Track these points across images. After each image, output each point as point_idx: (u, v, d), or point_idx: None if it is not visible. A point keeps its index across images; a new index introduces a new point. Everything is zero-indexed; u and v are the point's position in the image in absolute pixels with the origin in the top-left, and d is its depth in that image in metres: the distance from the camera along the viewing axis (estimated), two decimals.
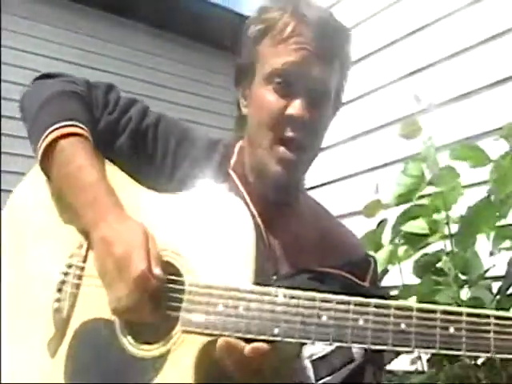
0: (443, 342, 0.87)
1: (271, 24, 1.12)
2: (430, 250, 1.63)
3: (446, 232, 1.54)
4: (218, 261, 1.00)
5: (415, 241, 1.59)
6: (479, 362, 1.46)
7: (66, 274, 1.09)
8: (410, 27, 2.57)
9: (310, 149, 1.14)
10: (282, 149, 1.09)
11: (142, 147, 1.17)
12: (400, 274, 1.68)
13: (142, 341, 1.00)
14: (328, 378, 1.05)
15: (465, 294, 1.54)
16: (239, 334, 0.93)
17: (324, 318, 0.91)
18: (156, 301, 0.98)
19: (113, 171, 1.13)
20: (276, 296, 0.94)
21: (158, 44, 4.88)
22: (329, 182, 2.86)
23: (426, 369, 1.61)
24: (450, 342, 0.87)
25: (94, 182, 1.07)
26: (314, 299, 0.93)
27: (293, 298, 0.94)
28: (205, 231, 1.03)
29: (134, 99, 1.23)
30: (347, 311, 0.91)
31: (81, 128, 1.11)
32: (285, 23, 1.10)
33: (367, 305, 0.91)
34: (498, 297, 1.49)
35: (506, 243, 1.47)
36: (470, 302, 1.49)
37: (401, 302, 0.93)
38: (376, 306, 0.90)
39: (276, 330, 0.92)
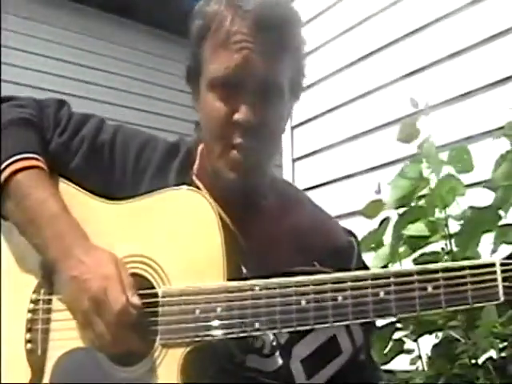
0: (423, 304, 0.87)
1: (209, 21, 1.04)
2: (429, 249, 1.63)
3: (446, 232, 1.53)
4: (188, 263, 0.97)
5: (416, 242, 1.58)
6: (479, 361, 1.46)
7: (33, 311, 1.05)
8: (409, 27, 2.57)
9: (264, 150, 1.08)
10: (233, 154, 1.04)
11: (98, 166, 1.11)
12: None
13: (124, 362, 0.97)
14: (317, 375, 1.04)
15: None
16: (221, 337, 0.92)
17: (303, 303, 0.91)
18: (139, 329, 0.95)
19: (66, 187, 1.09)
20: (252, 290, 0.93)
21: (158, 44, 4.88)
22: (329, 182, 2.85)
23: (426, 369, 1.60)
24: (430, 301, 0.87)
25: (56, 214, 1.02)
26: (289, 285, 0.92)
27: (269, 288, 0.93)
28: (169, 234, 1.00)
29: (87, 115, 1.17)
30: (325, 291, 0.90)
31: (35, 159, 1.06)
32: (221, 21, 1.03)
33: (344, 281, 0.90)
34: None
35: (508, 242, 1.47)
36: None
37: (377, 270, 0.94)
38: (353, 280, 0.90)
39: (257, 324, 0.91)
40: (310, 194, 1.32)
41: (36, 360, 1.03)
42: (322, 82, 2.87)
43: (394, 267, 0.94)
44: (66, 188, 1.09)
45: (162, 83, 4.86)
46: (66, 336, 1.01)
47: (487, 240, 1.50)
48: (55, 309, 1.03)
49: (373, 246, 1.65)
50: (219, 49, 1.03)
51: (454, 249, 1.52)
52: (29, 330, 1.04)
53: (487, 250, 1.51)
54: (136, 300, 0.94)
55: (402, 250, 1.65)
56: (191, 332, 0.94)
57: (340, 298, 0.89)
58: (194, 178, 1.11)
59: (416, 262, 1.62)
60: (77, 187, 1.09)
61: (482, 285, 0.86)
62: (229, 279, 0.95)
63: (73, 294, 0.97)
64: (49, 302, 1.05)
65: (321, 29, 2.99)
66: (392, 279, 0.89)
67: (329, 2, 2.98)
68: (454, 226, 1.54)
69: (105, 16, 4.65)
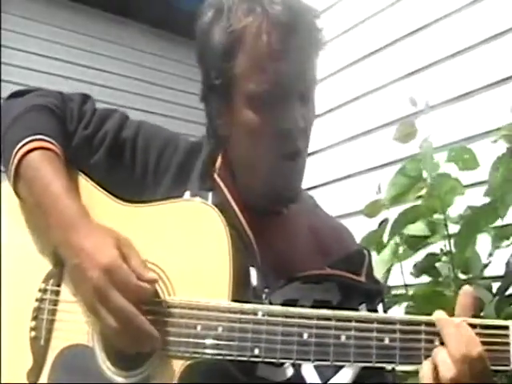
0: (429, 357, 0.84)
1: (240, 36, 1.01)
2: (429, 250, 1.63)
3: (445, 232, 1.54)
4: (193, 275, 0.97)
5: (415, 242, 1.59)
6: None
7: (40, 300, 1.05)
8: (409, 27, 2.57)
9: (307, 147, 1.11)
10: (284, 162, 1.05)
11: (119, 162, 1.11)
12: (401, 274, 1.68)
13: (121, 366, 0.97)
14: (335, 377, 1.02)
15: None
16: (220, 357, 0.91)
17: (305, 336, 0.88)
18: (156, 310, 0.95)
19: (85, 185, 1.10)
20: (255, 314, 0.91)
21: (158, 44, 4.88)
22: (329, 182, 2.85)
23: None
24: None
25: (58, 197, 1.01)
26: (293, 316, 0.90)
27: (272, 315, 0.91)
28: (179, 244, 1.00)
29: (110, 110, 1.17)
30: (329, 328, 0.88)
31: (47, 141, 1.06)
32: (255, 35, 1.01)
33: (349, 320, 0.88)
34: (497, 297, 1.49)
35: (506, 243, 1.47)
36: None
37: (384, 315, 0.91)
38: (358, 321, 0.88)
39: (256, 351, 0.90)
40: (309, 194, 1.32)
41: (38, 349, 1.03)
42: (321, 82, 2.87)
43: (401, 315, 0.90)
44: (84, 184, 1.10)
45: (162, 83, 4.86)
46: (70, 328, 1.01)
47: (487, 242, 1.50)
48: (62, 300, 1.04)
49: (373, 247, 1.66)
50: (257, 64, 1.02)
51: (453, 250, 1.52)
52: (34, 318, 1.04)
53: (486, 251, 1.51)
54: (148, 274, 0.93)
55: (401, 250, 1.65)
56: (191, 347, 0.93)
57: (343, 338, 0.87)
58: (216, 176, 1.10)
59: (416, 265, 1.62)
60: (94, 184, 1.10)
61: (492, 347, 0.82)
62: (235, 294, 0.94)
63: (76, 283, 0.97)
64: (57, 293, 1.05)
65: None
66: (398, 326, 0.86)
67: (327, 2, 2.98)
68: (454, 227, 1.54)
69: (105, 16, 4.65)
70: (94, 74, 4.49)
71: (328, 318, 0.89)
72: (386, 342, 0.86)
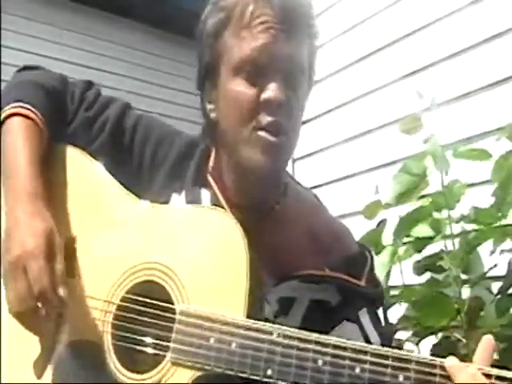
0: None
1: (230, 11, 1.05)
2: (431, 249, 1.62)
3: (448, 231, 1.53)
4: (209, 283, 0.96)
5: (420, 244, 1.58)
6: None
7: None
8: (410, 27, 2.57)
9: (291, 132, 1.06)
10: (264, 134, 1.02)
11: (117, 150, 1.13)
12: (401, 274, 1.67)
13: (131, 368, 0.97)
14: None
15: (465, 293, 1.54)
16: (232, 372, 0.90)
17: (319, 363, 0.88)
18: (48, 324, 0.94)
19: (106, 179, 1.10)
20: (271, 334, 0.90)
21: (158, 44, 4.87)
22: (329, 182, 2.85)
23: None
24: None
25: (22, 168, 1.02)
26: (309, 341, 0.89)
27: (288, 337, 0.90)
28: (195, 251, 0.99)
29: (112, 97, 1.20)
30: (343, 357, 0.87)
31: (30, 110, 1.07)
32: (244, 5, 1.03)
33: (365, 352, 0.87)
34: (498, 296, 1.49)
35: (507, 243, 1.47)
36: (470, 301, 1.49)
37: (402, 352, 0.89)
38: (373, 355, 0.87)
39: (269, 372, 0.89)
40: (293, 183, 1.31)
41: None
42: (321, 82, 2.87)
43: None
44: (103, 180, 1.10)
45: (163, 83, 4.86)
46: (79, 323, 1.00)
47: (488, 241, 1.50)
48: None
49: (371, 247, 1.65)
50: (243, 32, 1.03)
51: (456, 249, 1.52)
52: None
53: (487, 251, 1.51)
54: (61, 292, 0.92)
55: (401, 250, 1.65)
56: (202, 359, 0.92)
57: (358, 370, 0.86)
58: (208, 175, 1.11)
59: (418, 263, 1.62)
60: (114, 181, 1.09)
61: None
62: (249, 308, 0.93)
63: (1, 243, 0.97)
64: None
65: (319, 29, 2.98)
66: (414, 365, 0.85)
67: (329, 1, 2.97)
68: (456, 227, 1.54)
69: (105, 16, 4.64)
70: (94, 74, 4.48)
71: (344, 348, 0.88)
72: (401, 379, 0.85)
